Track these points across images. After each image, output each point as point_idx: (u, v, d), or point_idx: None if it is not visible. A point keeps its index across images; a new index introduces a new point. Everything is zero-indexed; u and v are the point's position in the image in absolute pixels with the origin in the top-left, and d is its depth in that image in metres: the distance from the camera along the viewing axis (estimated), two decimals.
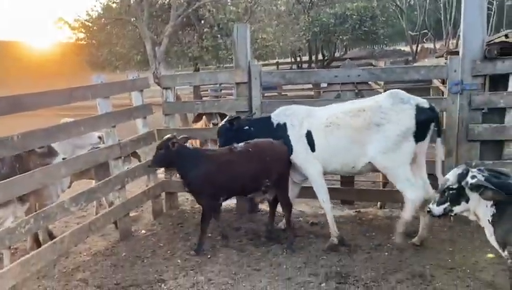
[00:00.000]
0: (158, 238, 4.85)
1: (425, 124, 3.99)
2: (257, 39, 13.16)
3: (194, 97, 13.86)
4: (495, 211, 2.64)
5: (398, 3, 24.30)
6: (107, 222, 4.76)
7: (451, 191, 2.78)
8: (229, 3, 13.77)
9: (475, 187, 2.64)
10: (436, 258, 3.96)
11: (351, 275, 3.73)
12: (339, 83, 5.10)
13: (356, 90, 5.07)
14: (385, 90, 13.77)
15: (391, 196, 5.34)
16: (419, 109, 3.96)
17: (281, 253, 4.25)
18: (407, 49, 25.89)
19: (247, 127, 4.51)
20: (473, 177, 2.66)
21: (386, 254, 4.13)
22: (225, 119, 4.64)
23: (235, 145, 4.27)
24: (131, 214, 5.27)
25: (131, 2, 12.67)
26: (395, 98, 4.04)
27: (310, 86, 13.77)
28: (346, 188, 5.35)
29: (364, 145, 4.07)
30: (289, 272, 3.84)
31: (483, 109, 4.65)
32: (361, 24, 17.65)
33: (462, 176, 2.72)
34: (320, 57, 23.01)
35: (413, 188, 4.02)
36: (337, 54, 24.90)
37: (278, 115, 4.53)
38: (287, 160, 4.36)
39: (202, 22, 13.21)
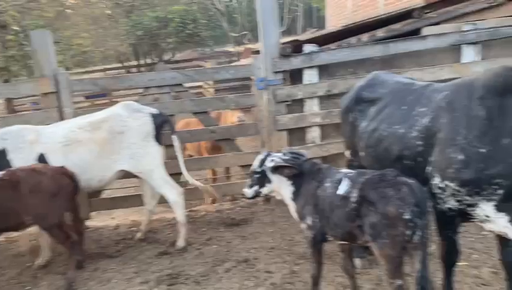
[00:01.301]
0: None
1: (161, 127, 4.37)
2: (72, 45, 12.26)
3: (8, 112, 12.32)
4: (294, 189, 2.95)
5: (218, 6, 25.47)
6: None
7: (256, 175, 3.04)
8: (38, 8, 12.50)
9: (274, 169, 2.93)
10: (259, 241, 4.30)
11: (181, 274, 3.78)
12: (155, 86, 5.11)
13: (172, 93, 5.14)
14: (215, 90, 14.25)
15: (220, 190, 5.61)
16: (153, 116, 4.31)
17: (111, 268, 4.08)
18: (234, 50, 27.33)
19: None
20: (271, 160, 2.95)
21: (215, 246, 4.31)
22: None
23: None
24: None
25: None
26: (130, 108, 4.33)
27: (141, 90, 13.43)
28: None
29: (113, 155, 4.21)
30: (119, 286, 3.71)
31: (287, 101, 5.20)
32: (184, 27, 17.96)
33: (262, 161, 3.00)
34: (149, 60, 22.67)
35: (172, 189, 4.37)
36: (167, 57, 24.84)
37: None
38: (54, 191, 3.68)
39: (5, 29, 11.71)
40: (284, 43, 5.21)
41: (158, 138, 4.34)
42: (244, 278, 3.62)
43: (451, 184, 2.40)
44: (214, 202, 5.87)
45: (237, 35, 26.30)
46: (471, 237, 3.92)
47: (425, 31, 5.15)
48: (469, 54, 5.09)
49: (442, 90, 2.62)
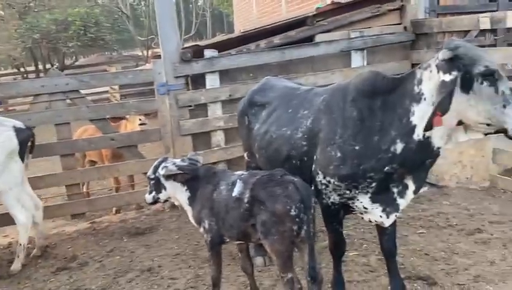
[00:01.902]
0: None
1: (26, 142, 4.15)
2: None
3: None
4: (189, 194, 2.97)
5: (123, 9, 24.63)
6: None
7: (151, 182, 3.01)
8: None
9: (166, 176, 2.93)
10: (164, 248, 4.25)
11: (81, 289, 3.63)
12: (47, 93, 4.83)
13: (67, 99, 4.89)
14: (121, 96, 13.70)
15: (123, 199, 5.45)
16: (17, 130, 4.05)
17: (5, 286, 3.79)
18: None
19: None
20: (163, 167, 2.94)
21: (118, 257, 4.18)
22: None
23: None
24: None
25: None
26: None
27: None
28: (73, 201, 5.15)
29: None
30: None
31: (190, 106, 5.21)
32: (85, 30, 17.06)
33: (156, 168, 2.99)
34: (49, 66, 21.20)
35: (23, 211, 4.14)
36: (69, 62, 23.43)
37: None
38: None
39: None
40: (183, 48, 5.23)
41: (22, 153, 4.05)
42: (147, 287, 3.57)
43: (332, 180, 2.60)
44: (118, 211, 5.68)
45: (144, 39, 25.64)
46: (361, 229, 4.26)
47: (318, 38, 5.49)
48: (357, 59, 5.54)
49: (321, 94, 2.83)
